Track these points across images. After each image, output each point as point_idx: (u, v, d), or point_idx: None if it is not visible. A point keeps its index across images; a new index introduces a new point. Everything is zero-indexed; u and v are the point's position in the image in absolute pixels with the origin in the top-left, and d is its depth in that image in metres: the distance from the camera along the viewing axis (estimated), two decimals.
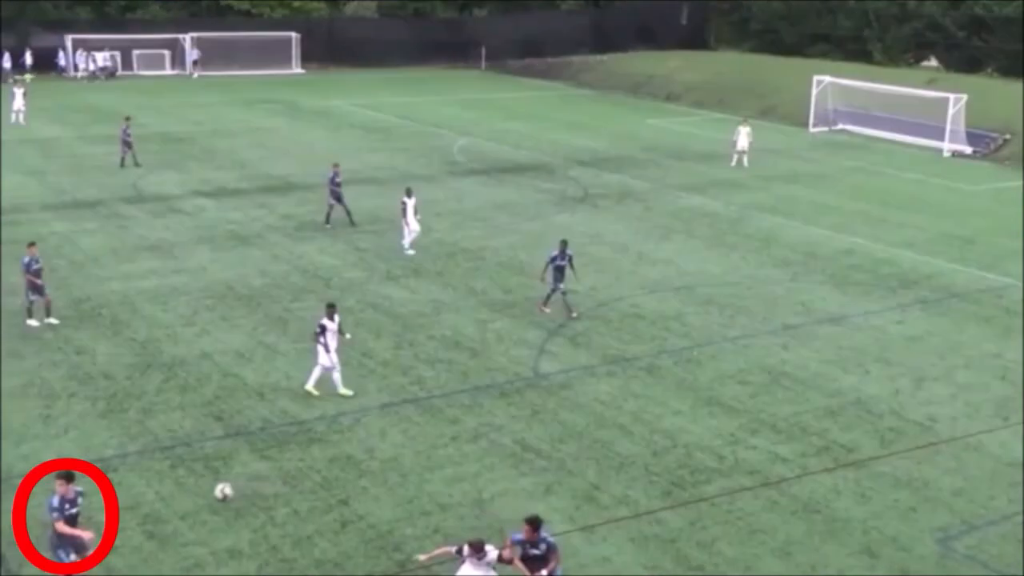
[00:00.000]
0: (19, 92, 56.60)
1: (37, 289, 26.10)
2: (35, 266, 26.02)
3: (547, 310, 27.74)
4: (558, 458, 20.23)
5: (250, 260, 32.20)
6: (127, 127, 45.17)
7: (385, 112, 63.78)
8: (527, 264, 32.23)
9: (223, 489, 17.52)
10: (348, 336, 23.25)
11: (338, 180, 36.18)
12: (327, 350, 22.30)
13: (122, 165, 44.83)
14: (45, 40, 77.14)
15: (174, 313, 27.43)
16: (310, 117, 61.71)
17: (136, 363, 24.07)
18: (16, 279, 27.57)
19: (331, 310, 22.59)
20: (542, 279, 27.87)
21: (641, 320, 27.82)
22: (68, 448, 19.95)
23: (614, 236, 35.86)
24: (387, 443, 20.58)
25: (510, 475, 19.53)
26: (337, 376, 22.54)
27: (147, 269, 30.92)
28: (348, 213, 36.33)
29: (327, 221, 36.25)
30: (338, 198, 36.20)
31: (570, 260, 27.69)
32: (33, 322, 26.08)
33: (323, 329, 22.25)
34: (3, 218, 36.26)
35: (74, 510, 14.96)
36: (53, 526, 14.76)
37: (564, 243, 27.94)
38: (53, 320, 26.19)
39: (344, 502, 18.35)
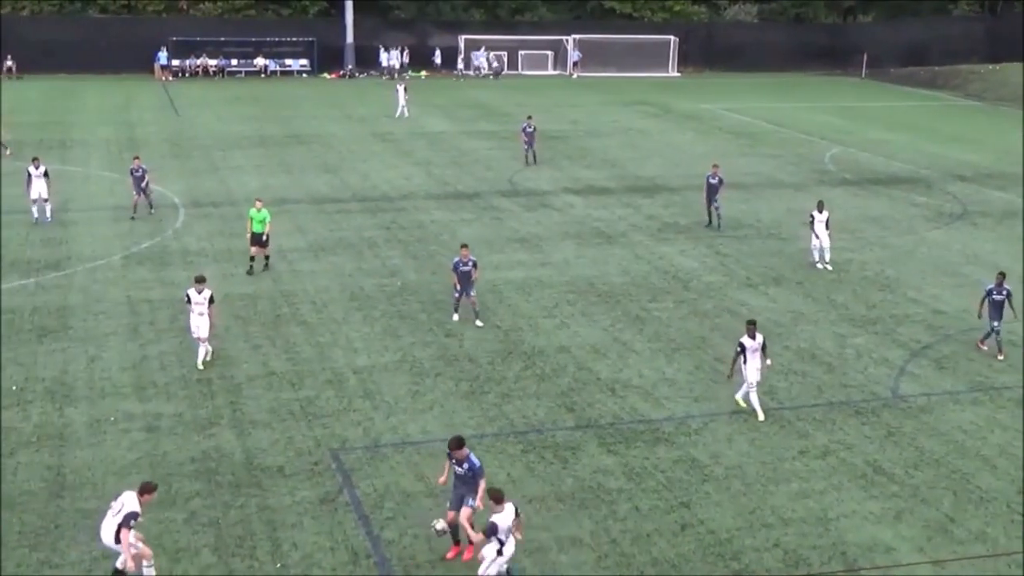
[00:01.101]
0: (401, 88, 60.77)
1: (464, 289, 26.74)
2: (462, 268, 26.46)
3: (984, 347, 25.79)
4: (911, 484, 19.38)
5: (612, 258, 32.93)
6: (528, 125, 47.24)
7: (755, 117, 63.12)
8: (893, 280, 30.99)
9: (437, 525, 16.97)
10: (769, 362, 22.40)
11: (712, 181, 36.29)
12: (753, 365, 21.67)
13: (527, 163, 46.86)
14: (442, 40, 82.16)
15: (537, 304, 28.55)
16: (681, 120, 62.10)
17: (499, 350, 25.27)
18: (405, 261, 29.54)
19: (751, 327, 21.68)
20: (979, 315, 26.00)
21: (1017, 348, 26.03)
22: (431, 424, 21.32)
23: (992, 257, 33.69)
24: (733, 450, 20.50)
25: (858, 496, 18.92)
26: (753, 397, 21.89)
27: (515, 260, 32.33)
28: (710, 216, 36.50)
29: (711, 223, 36.75)
30: (711, 200, 36.45)
31: (1008, 296, 25.47)
32: (456, 317, 27.03)
33: (743, 348, 21.60)
34: (391, 205, 39.11)
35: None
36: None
37: (1002, 276, 25.84)
38: (479, 323, 26.89)
39: (685, 504, 18.47)
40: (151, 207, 36.72)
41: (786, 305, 28.92)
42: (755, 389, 21.81)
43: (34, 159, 35.45)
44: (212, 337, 24.13)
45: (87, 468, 19.15)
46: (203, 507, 18.02)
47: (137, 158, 37.21)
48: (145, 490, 15.77)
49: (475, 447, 20.23)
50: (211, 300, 23.67)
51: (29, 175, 35.02)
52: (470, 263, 26.46)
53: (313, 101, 66.70)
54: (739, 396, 22.16)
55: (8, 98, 64.79)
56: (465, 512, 16.42)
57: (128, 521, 15.25)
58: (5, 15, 76.66)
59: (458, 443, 16.55)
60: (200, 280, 23.92)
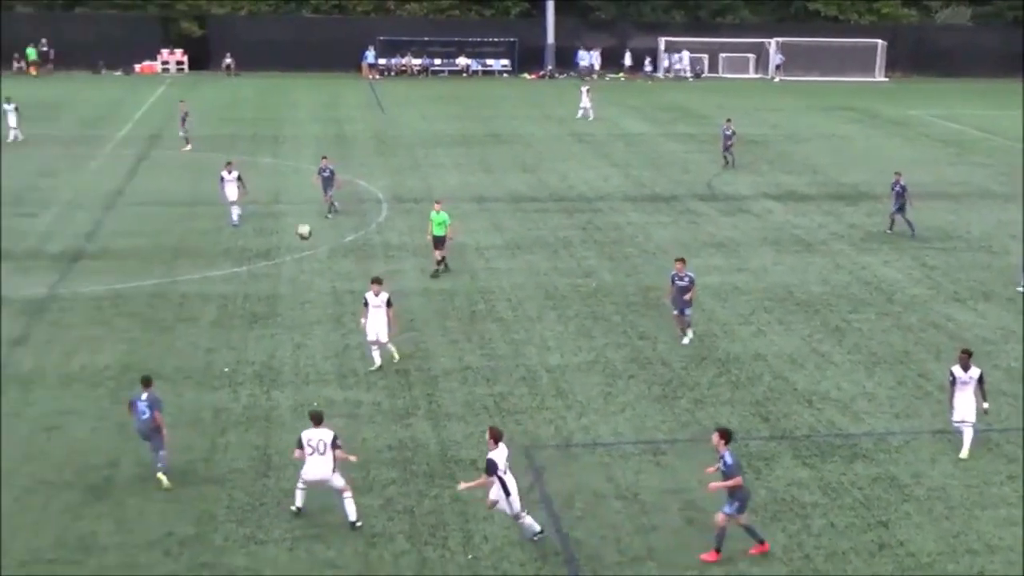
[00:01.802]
0: (584, 90, 60.78)
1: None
2: (678, 282, 25.16)
3: None
4: None
5: (812, 266, 32.19)
6: (727, 127, 46.76)
7: (965, 124, 60.59)
8: None
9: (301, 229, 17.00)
10: (987, 406, 20.45)
11: (896, 189, 35.24)
12: (962, 399, 20.14)
13: (726, 166, 46.39)
14: (641, 41, 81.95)
15: (732, 311, 28.17)
16: (887, 126, 60.19)
17: (692, 355, 25.06)
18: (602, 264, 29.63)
19: (964, 357, 20.11)
20: None
21: None
22: (623, 426, 21.33)
23: None
24: (936, 471, 19.75)
25: None
26: (967, 435, 20.32)
27: (711, 265, 31.97)
28: (909, 224, 35.33)
29: (891, 229, 35.67)
30: (901, 208, 35.29)
31: None
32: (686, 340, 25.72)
33: (953, 378, 20.18)
34: (588, 205, 39.27)
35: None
36: None
37: None
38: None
39: (884, 524, 17.91)
40: (334, 208, 36.83)
41: (996, 322, 27.69)
42: (966, 425, 20.24)
43: (228, 164, 35.85)
44: (396, 334, 24.22)
45: (291, 450, 19.90)
46: (399, 495, 18.52)
47: (325, 158, 37.75)
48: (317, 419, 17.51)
49: (667, 451, 20.21)
50: (389, 303, 23.63)
51: (222, 179, 35.37)
52: (686, 278, 25.26)
53: (513, 101, 67.57)
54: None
55: (226, 94, 68.08)
56: (719, 517, 16.60)
57: (337, 442, 17.34)
58: (225, 15, 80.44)
59: (725, 435, 16.73)
60: (377, 281, 23.91)
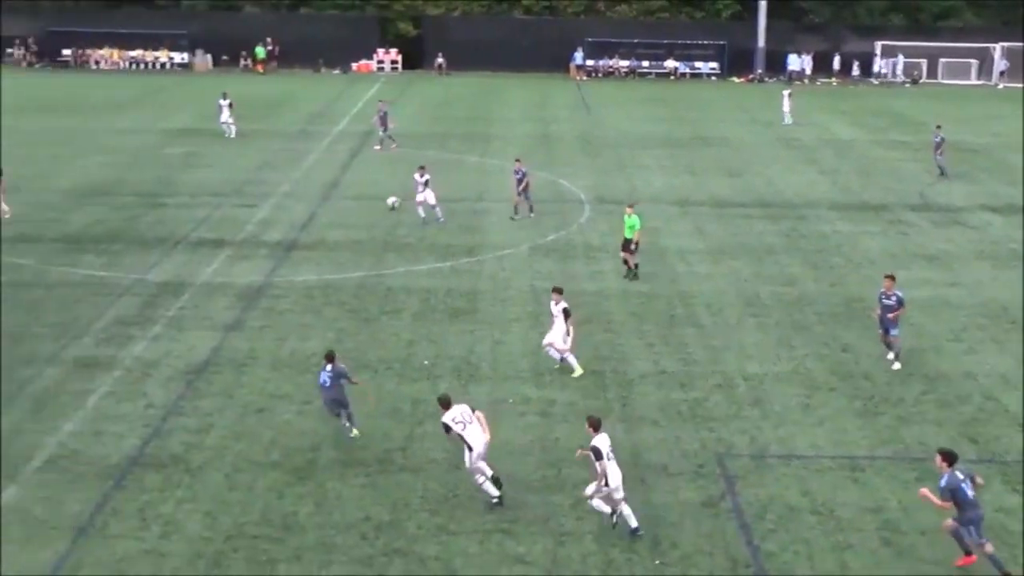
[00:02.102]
0: (786, 95, 59.22)
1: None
2: (884, 301, 24.10)
3: None
4: None
5: None
6: (936, 134, 44.96)
7: None
8: None
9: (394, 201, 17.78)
10: None
11: None
12: None
13: (940, 175, 44.68)
14: (856, 45, 79.65)
15: (943, 326, 27.08)
16: None
17: (897, 370, 24.18)
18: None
19: None
20: None
21: None
22: (821, 439, 20.80)
23: None
24: None
25: None
26: None
27: (921, 278, 30.77)
28: None
29: None
30: None
31: None
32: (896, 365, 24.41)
33: None
34: (793, 212, 38.44)
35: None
36: None
37: None
38: None
39: None
40: (531, 210, 36.87)
41: None
42: None
43: (421, 168, 36.13)
44: (569, 347, 23.91)
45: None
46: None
47: (518, 160, 37.78)
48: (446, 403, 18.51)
49: (865, 468, 19.62)
50: (567, 313, 23.45)
51: (416, 182, 35.81)
52: (894, 298, 24.17)
53: (720, 104, 66.79)
54: None
55: (437, 93, 69.77)
56: (948, 525, 16.35)
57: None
58: (438, 16, 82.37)
59: (947, 457, 16.28)
60: (557, 291, 23.90)
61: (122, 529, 17.32)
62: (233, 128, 51.35)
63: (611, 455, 17.18)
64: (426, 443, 20.31)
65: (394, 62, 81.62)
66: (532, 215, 36.74)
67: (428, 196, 35.73)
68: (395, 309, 27.81)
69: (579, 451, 17.93)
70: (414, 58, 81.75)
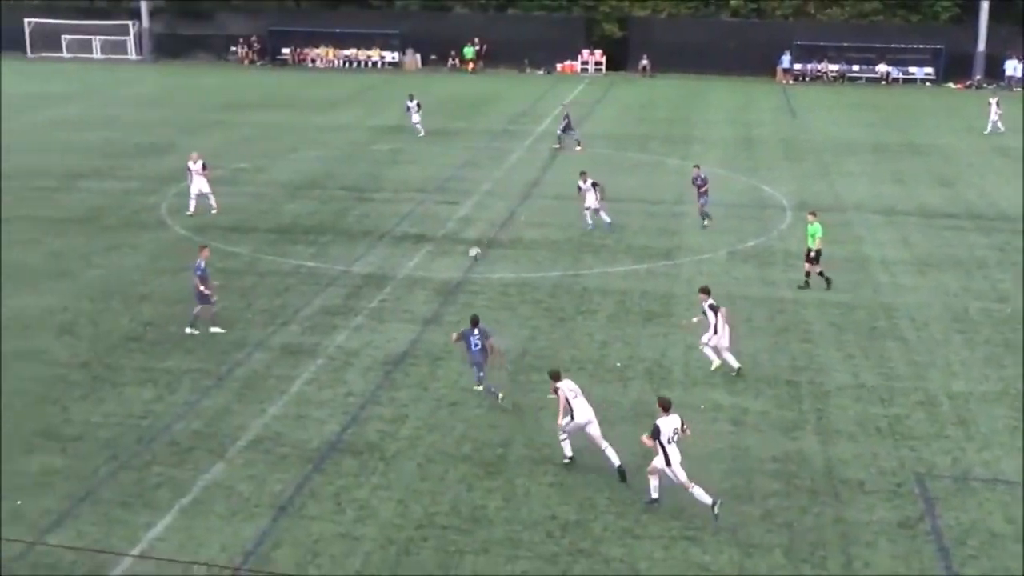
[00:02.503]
0: (994, 102, 56.10)
1: None
2: None
3: None
4: None
5: None
6: None
7: None
8: None
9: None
10: None
11: None
12: None
13: None
14: None
15: None
16: None
17: None
18: None
19: None
20: None
21: None
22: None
23: None
24: None
25: None
26: None
27: None
28: None
29: None
30: None
31: None
32: None
33: None
34: (1008, 224, 36.65)
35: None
36: None
37: None
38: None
39: None
40: (706, 217, 36.06)
41: None
42: None
43: (582, 173, 35.76)
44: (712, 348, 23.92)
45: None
46: (779, 508, 18.24)
47: (697, 167, 37.12)
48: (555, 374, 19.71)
49: None
50: (714, 309, 23.52)
51: (579, 188, 35.43)
52: None
53: (934, 111, 64.29)
54: None
55: (641, 95, 69.62)
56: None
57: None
58: (644, 17, 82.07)
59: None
60: (705, 291, 24.03)
61: (319, 511, 18.00)
62: (421, 128, 52.43)
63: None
64: (615, 445, 20.28)
65: (598, 63, 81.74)
66: (706, 223, 36.03)
67: (591, 201, 35.10)
68: (590, 310, 27.92)
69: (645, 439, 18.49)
70: (618, 59, 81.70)
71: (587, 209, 35.32)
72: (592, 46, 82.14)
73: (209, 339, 25.56)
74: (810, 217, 29.83)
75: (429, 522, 17.71)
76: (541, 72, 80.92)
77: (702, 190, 36.06)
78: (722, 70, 77.53)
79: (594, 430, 19.24)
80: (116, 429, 20.89)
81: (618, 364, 24.30)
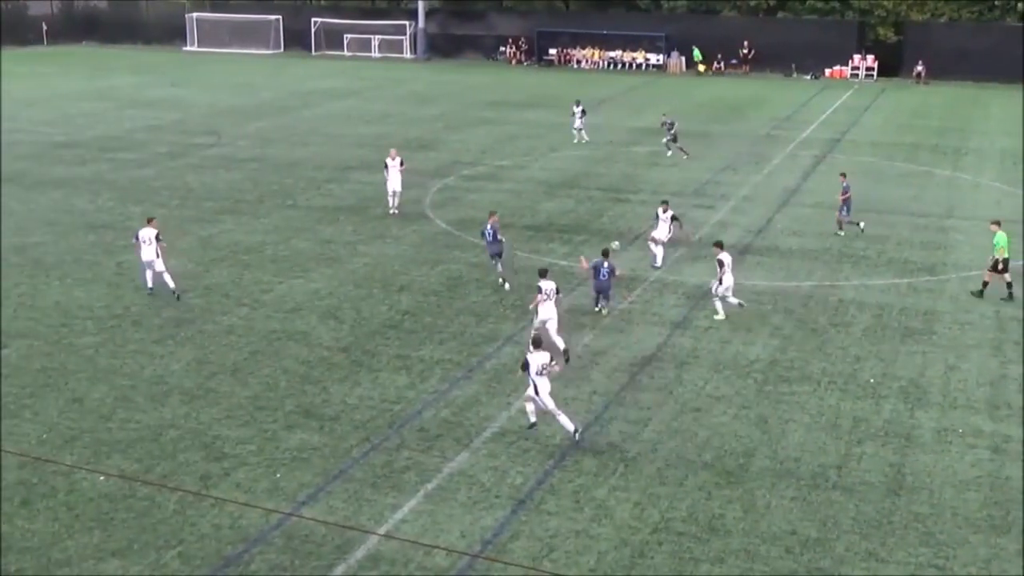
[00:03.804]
0: None
1: None
2: None
3: None
4: None
5: None
6: None
7: None
8: None
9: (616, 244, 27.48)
10: None
11: None
12: None
13: None
14: None
15: None
16: None
17: None
18: None
19: None
20: None
21: None
22: None
23: None
24: None
25: None
26: None
27: None
28: None
29: None
30: None
31: None
32: None
33: None
34: None
35: None
36: None
37: None
38: None
39: None
40: (840, 228, 34.78)
41: None
42: None
43: (663, 202, 32.66)
44: None
45: (926, 473, 19.28)
46: None
47: (843, 175, 35.28)
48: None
49: None
50: (720, 263, 26.69)
51: (658, 218, 32.27)
52: None
53: None
54: None
55: (912, 102, 66.88)
56: None
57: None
58: (921, 21, 78.64)
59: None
60: (719, 245, 27.30)
61: (557, 507, 18.24)
62: (584, 134, 51.80)
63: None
64: (863, 463, 19.63)
65: (869, 68, 78.93)
66: (841, 233, 34.58)
67: (662, 233, 31.90)
68: (845, 322, 27.06)
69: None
70: (891, 65, 78.63)
71: (652, 240, 32.02)
72: (864, 51, 79.44)
73: (462, 331, 26.33)
74: (993, 227, 28.52)
75: (665, 527, 17.63)
76: (808, 77, 78.92)
77: (844, 199, 34.79)
78: (1005, 78, 73.34)
79: (552, 327, 24.02)
80: (370, 412, 21.83)
81: (871, 380, 23.44)
